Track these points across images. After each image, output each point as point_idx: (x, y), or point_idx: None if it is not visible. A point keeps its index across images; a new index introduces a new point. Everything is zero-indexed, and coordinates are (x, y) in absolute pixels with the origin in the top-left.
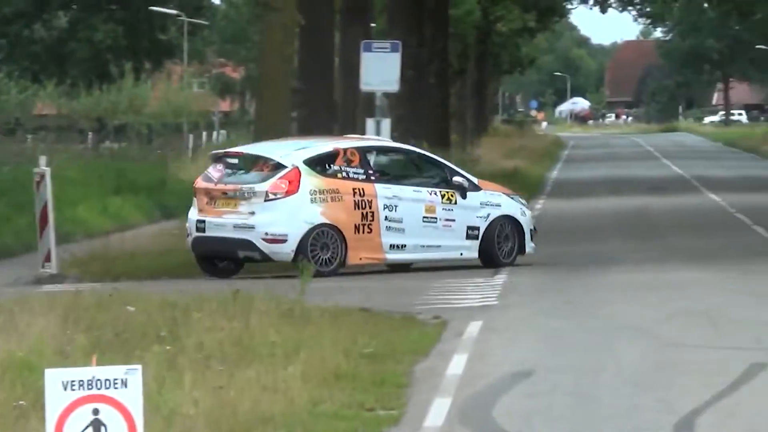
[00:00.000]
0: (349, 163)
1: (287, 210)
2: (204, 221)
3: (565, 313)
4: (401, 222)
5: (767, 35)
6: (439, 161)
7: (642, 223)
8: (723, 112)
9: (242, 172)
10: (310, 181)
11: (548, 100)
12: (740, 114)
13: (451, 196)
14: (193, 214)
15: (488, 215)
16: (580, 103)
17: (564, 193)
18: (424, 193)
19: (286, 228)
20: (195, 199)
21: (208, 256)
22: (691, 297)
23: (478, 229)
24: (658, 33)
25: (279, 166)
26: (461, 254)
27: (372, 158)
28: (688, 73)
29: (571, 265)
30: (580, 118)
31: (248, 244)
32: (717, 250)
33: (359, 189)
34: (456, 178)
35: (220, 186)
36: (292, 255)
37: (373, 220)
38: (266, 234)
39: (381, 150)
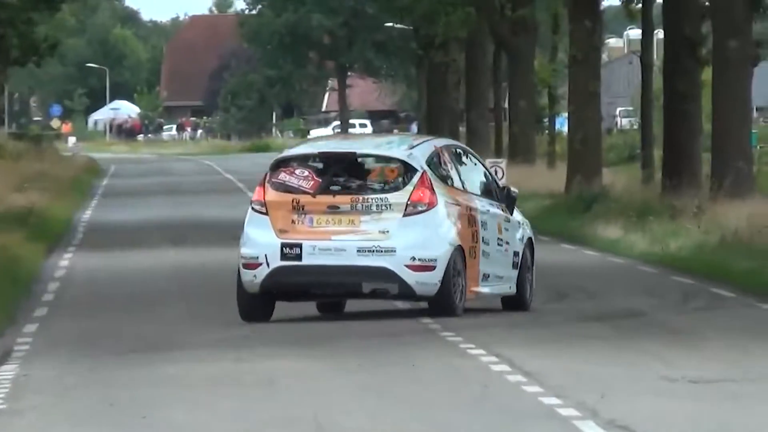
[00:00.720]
0: (446, 165)
1: (431, 227)
2: (299, 245)
3: (105, 422)
4: (489, 244)
5: (400, 10)
6: (480, 160)
7: (221, 286)
8: (337, 123)
9: (353, 178)
10: (439, 188)
11: (78, 105)
12: (363, 125)
13: (504, 209)
14: (269, 237)
15: (523, 236)
16: (124, 109)
17: (102, 243)
18: (496, 206)
19: (435, 250)
20: (256, 217)
21: (293, 292)
22: (289, 399)
23: (518, 255)
24: (240, 3)
25: (407, 169)
26: (510, 288)
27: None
28: (287, 65)
29: (114, 349)
30: (124, 132)
31: (384, 274)
32: (336, 330)
33: (465, 200)
34: (504, 184)
35: (324, 197)
36: (438, 286)
37: (477, 241)
38: (413, 259)
39: (458, 148)
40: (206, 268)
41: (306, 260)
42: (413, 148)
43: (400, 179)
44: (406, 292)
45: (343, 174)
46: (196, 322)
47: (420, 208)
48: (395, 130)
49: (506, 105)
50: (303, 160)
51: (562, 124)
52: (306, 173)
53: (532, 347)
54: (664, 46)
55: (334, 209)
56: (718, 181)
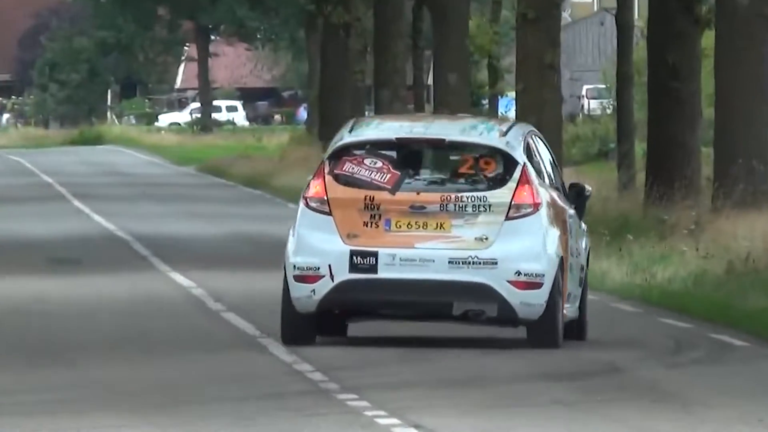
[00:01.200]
0: (536, 156)
1: (537, 234)
2: (374, 254)
3: None
4: (573, 256)
5: None
6: (549, 148)
7: (37, 333)
8: (196, 105)
9: (441, 170)
10: (540, 186)
11: None
12: (232, 109)
13: (575, 212)
14: (335, 244)
15: (588, 246)
16: None
17: None
18: (569, 209)
19: (542, 263)
20: (314, 217)
21: (361, 312)
22: None
23: (583, 269)
24: None
25: (506, 161)
26: (575, 312)
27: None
28: (127, 26)
29: None
30: None
31: (482, 292)
32: (185, 386)
33: (557, 200)
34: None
35: (405, 194)
36: (544, 308)
37: (567, 251)
38: (518, 274)
39: (536, 134)
40: (22, 305)
41: (382, 273)
42: (506, 134)
43: (499, 173)
44: (506, 314)
45: (428, 166)
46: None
47: (524, 211)
48: (276, 116)
49: (430, 81)
50: (374, 147)
51: (507, 108)
52: (379, 164)
53: (466, 414)
54: (649, 2)
55: (418, 210)
56: (722, 187)
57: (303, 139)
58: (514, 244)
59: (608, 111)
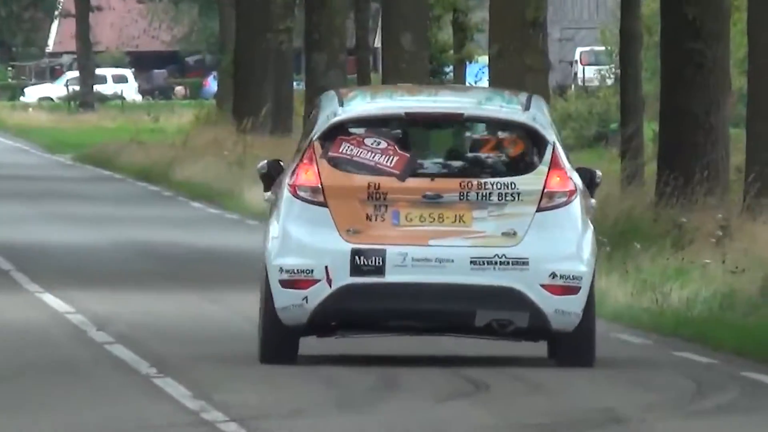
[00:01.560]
0: (560, 134)
1: (572, 229)
2: (381, 253)
3: None
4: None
5: None
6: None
7: None
8: (73, 75)
9: (458, 152)
10: (572, 170)
11: None
12: (121, 80)
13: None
14: (332, 241)
15: (594, 245)
16: None
17: None
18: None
19: (580, 263)
20: (304, 208)
21: (364, 323)
22: None
23: (594, 272)
24: None
25: (534, 140)
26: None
27: None
28: None
29: None
30: None
31: (511, 298)
32: None
33: (582, 187)
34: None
35: (417, 181)
36: (580, 318)
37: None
38: (553, 276)
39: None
40: None
41: (391, 276)
42: (529, 108)
43: (527, 155)
44: (538, 325)
45: (442, 146)
46: None
47: (558, 200)
48: (177, 88)
49: (378, 43)
50: (377, 123)
51: (478, 77)
52: (383, 144)
53: None
54: None
55: (433, 200)
56: (758, 181)
57: (212, 117)
58: (548, 240)
59: (609, 81)
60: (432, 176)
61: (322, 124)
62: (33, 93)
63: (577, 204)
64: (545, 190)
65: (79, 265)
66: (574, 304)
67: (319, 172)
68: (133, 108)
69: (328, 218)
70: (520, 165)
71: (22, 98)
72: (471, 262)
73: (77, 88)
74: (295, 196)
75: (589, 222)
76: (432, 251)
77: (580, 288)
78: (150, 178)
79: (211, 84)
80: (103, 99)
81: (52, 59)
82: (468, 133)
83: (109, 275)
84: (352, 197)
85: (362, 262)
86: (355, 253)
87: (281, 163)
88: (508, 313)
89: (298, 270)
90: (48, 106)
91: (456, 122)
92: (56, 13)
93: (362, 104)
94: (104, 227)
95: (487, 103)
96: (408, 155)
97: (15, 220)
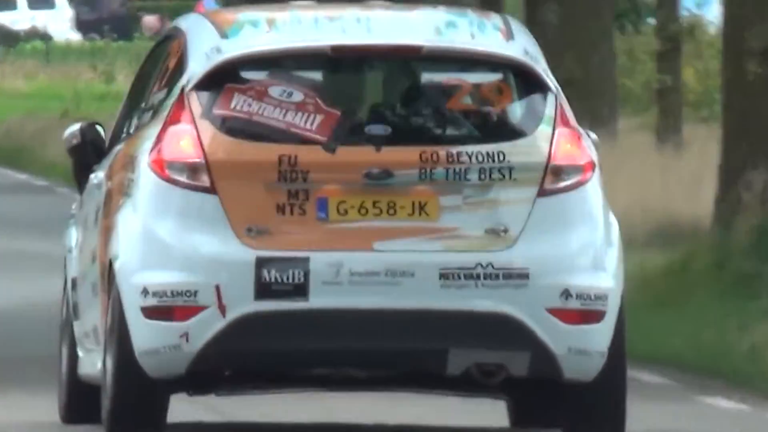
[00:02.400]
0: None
1: (590, 223)
2: (303, 262)
3: None
4: None
5: None
6: None
7: None
8: None
9: (415, 108)
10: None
11: None
12: (46, 2)
13: None
14: (224, 245)
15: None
16: None
17: None
18: None
19: (604, 275)
20: (178, 196)
21: (268, 372)
22: None
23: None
24: None
25: (531, 88)
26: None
27: None
28: None
29: None
30: None
31: (502, 329)
32: None
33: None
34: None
35: (353, 150)
36: (605, 357)
37: None
38: (566, 296)
39: None
40: None
41: (318, 298)
42: (513, 36)
43: (519, 109)
44: (542, 370)
45: (389, 98)
46: None
47: (570, 178)
48: (146, 18)
49: None
50: (287, 64)
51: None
52: (299, 96)
53: None
54: None
55: (380, 180)
56: None
57: None
58: (556, 241)
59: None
60: (377, 145)
61: (198, 67)
62: None
63: (596, 184)
64: (551, 164)
65: None
66: (598, 338)
67: (200, 141)
68: (66, 54)
69: (218, 211)
70: (511, 125)
71: None
72: (440, 276)
73: None
74: (163, 177)
75: (611, 212)
76: (380, 260)
77: (605, 313)
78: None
79: (207, 8)
80: (10, 39)
81: None
82: (429, 78)
83: None
84: (254, 179)
85: (273, 279)
86: (262, 264)
87: (101, 129)
88: (497, 354)
89: (173, 292)
90: None
91: (411, 59)
92: None
93: (259, 35)
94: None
95: (451, 30)
96: (339, 113)
97: None
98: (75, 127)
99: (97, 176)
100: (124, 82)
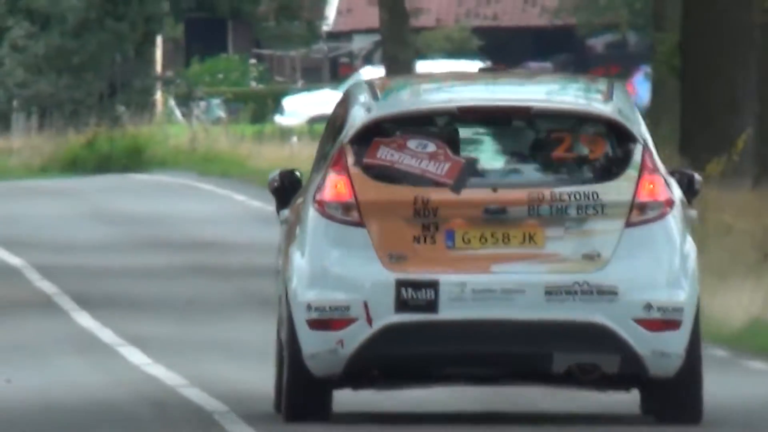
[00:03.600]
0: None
1: (669, 249)
2: (434, 285)
3: None
4: None
5: None
6: None
7: None
8: (371, 72)
9: (524, 156)
10: (667, 176)
11: None
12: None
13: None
14: (371, 270)
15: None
16: None
17: None
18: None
19: (680, 291)
20: (336, 229)
21: (409, 372)
22: None
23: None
24: None
25: (619, 138)
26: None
27: None
28: None
29: None
30: None
31: (596, 335)
32: None
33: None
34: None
35: (474, 192)
36: (683, 359)
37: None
38: (649, 308)
39: None
40: None
41: (446, 312)
42: (612, 98)
43: (611, 157)
44: (631, 369)
45: (504, 149)
46: None
47: (652, 213)
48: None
49: None
50: (423, 121)
51: None
52: (431, 147)
53: None
54: None
55: (496, 215)
56: None
57: None
58: (641, 263)
59: None
60: (494, 186)
61: (354, 124)
62: (299, 107)
63: (675, 217)
64: (636, 201)
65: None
66: (676, 343)
67: (352, 184)
68: None
69: (366, 241)
70: (604, 169)
71: (277, 117)
72: (546, 292)
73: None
74: (324, 215)
75: (690, 239)
76: (496, 280)
77: (681, 322)
78: None
79: (640, 87)
80: None
81: (334, 44)
82: (537, 132)
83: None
84: (394, 215)
85: (410, 296)
86: (401, 284)
87: (297, 174)
88: (593, 356)
89: (330, 307)
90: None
91: (522, 117)
92: None
93: (403, 98)
94: None
95: (559, 93)
96: (463, 161)
97: None
98: (276, 172)
99: (285, 212)
100: None
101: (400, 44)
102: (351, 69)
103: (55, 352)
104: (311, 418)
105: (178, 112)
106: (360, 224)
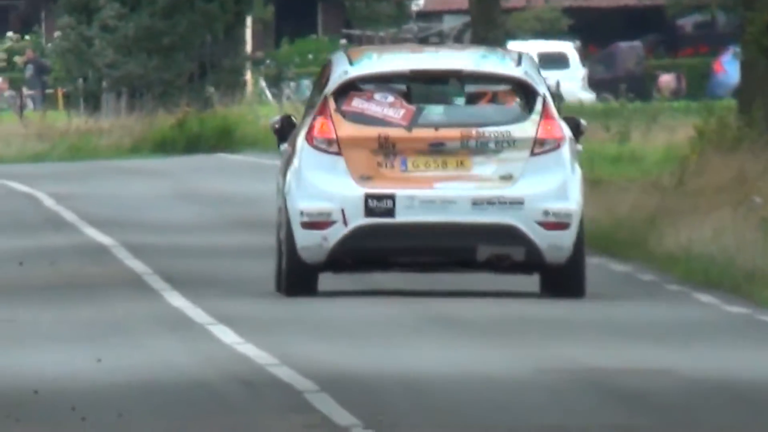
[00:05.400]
0: (546, 84)
1: (562, 171)
2: (392, 196)
3: None
4: None
5: None
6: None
7: None
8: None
9: (457, 105)
10: (560, 118)
11: None
12: (560, 60)
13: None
14: (347, 186)
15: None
16: None
17: None
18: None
19: (569, 202)
20: (321, 158)
21: (374, 260)
22: None
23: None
24: None
25: (525, 92)
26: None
27: None
28: None
29: None
30: None
31: (509, 234)
32: None
33: (569, 133)
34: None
35: (423, 131)
36: (571, 251)
37: None
38: (546, 213)
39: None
40: None
41: (401, 216)
42: (520, 63)
43: (520, 106)
44: (533, 258)
45: (444, 101)
46: None
47: (549, 146)
48: (663, 78)
49: None
50: (384, 80)
51: None
52: (391, 98)
53: None
54: None
55: (437, 147)
56: None
57: (730, 133)
58: (541, 182)
59: None
60: (436, 127)
61: (334, 82)
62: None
63: (566, 149)
64: (537, 138)
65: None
66: (566, 239)
67: (333, 125)
68: (578, 114)
69: (343, 166)
70: (515, 115)
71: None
72: (472, 203)
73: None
74: (313, 146)
75: (577, 165)
76: (437, 194)
77: (570, 224)
78: (612, 246)
79: (728, 69)
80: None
81: (424, 24)
82: (466, 88)
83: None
84: (364, 147)
85: (374, 205)
86: (368, 196)
87: (293, 118)
88: (506, 248)
89: (317, 213)
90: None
91: (456, 78)
92: None
93: (371, 63)
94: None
95: (483, 61)
96: (413, 108)
97: None
98: (277, 117)
99: (284, 145)
100: (640, 141)
101: (489, 25)
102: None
103: (146, 332)
104: (303, 294)
105: (268, 93)
106: (339, 154)
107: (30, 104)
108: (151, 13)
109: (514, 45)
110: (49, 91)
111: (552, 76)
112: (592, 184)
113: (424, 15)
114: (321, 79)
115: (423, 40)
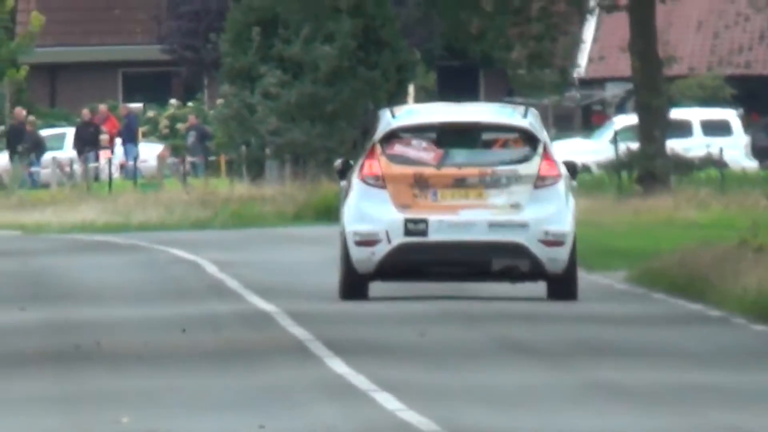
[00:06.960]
0: (545, 131)
1: (559, 201)
2: (425, 221)
3: None
4: None
5: None
6: None
7: None
8: (624, 122)
9: (476, 149)
10: (557, 158)
11: None
12: (721, 128)
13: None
14: (390, 213)
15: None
16: None
17: None
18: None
19: (564, 225)
20: (370, 191)
21: (412, 271)
22: None
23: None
24: None
25: (529, 139)
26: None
27: None
28: None
29: None
30: None
31: (517, 250)
32: None
33: (565, 171)
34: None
35: (449, 170)
36: (566, 263)
37: None
38: (546, 234)
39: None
40: None
41: (433, 236)
42: (526, 116)
43: (525, 150)
44: (536, 269)
45: (466, 145)
46: None
47: (548, 181)
48: None
49: None
50: (419, 131)
51: None
52: (425, 144)
53: None
54: None
55: (460, 182)
56: None
57: None
58: (542, 209)
59: None
60: (459, 166)
61: (381, 131)
62: None
63: (562, 184)
64: (539, 175)
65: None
66: (562, 254)
67: (380, 165)
68: (741, 183)
69: (387, 197)
70: (521, 157)
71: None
72: (488, 225)
73: (634, 146)
74: (364, 182)
75: (572, 196)
76: (461, 218)
77: (565, 242)
78: None
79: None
80: (684, 167)
81: (586, 92)
82: (483, 136)
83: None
84: (403, 182)
85: (412, 227)
86: (407, 221)
87: (351, 162)
88: (515, 261)
89: (367, 233)
90: (582, 181)
91: (475, 128)
92: (592, 2)
93: (409, 117)
94: None
95: (497, 114)
96: (442, 152)
97: None
98: (339, 160)
99: (344, 182)
100: None
101: (653, 92)
102: (604, 117)
103: (309, 399)
104: (357, 298)
105: None
106: (384, 188)
107: (192, 171)
108: (313, 80)
109: (676, 112)
110: (211, 158)
111: (715, 143)
112: (756, 251)
113: (586, 82)
114: (371, 129)
115: (586, 109)
